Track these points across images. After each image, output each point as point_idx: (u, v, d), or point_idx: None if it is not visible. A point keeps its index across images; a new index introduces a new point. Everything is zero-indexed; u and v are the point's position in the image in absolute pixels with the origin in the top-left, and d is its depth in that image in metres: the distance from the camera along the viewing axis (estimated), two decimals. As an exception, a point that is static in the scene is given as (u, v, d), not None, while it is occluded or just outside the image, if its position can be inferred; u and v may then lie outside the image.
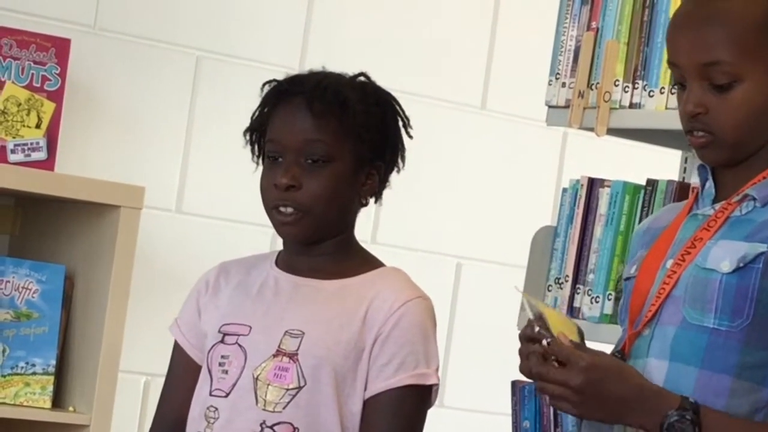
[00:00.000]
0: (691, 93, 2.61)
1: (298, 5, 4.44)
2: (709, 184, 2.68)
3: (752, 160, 2.64)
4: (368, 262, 2.91)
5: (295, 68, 4.17)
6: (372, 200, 2.91)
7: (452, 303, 4.53)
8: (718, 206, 2.65)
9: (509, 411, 3.34)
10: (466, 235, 4.63)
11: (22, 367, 3.80)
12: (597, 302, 3.30)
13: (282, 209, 2.83)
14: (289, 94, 2.86)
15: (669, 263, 2.63)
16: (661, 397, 2.52)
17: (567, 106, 3.40)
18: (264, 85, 2.91)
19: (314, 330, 2.80)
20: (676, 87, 2.67)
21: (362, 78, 2.91)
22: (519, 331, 2.58)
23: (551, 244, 3.41)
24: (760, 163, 2.63)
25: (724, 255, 2.58)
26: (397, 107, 2.92)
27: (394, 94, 2.93)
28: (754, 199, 2.61)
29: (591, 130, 3.36)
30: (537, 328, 2.55)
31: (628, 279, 2.73)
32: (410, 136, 2.91)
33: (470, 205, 4.64)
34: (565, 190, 3.40)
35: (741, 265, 2.56)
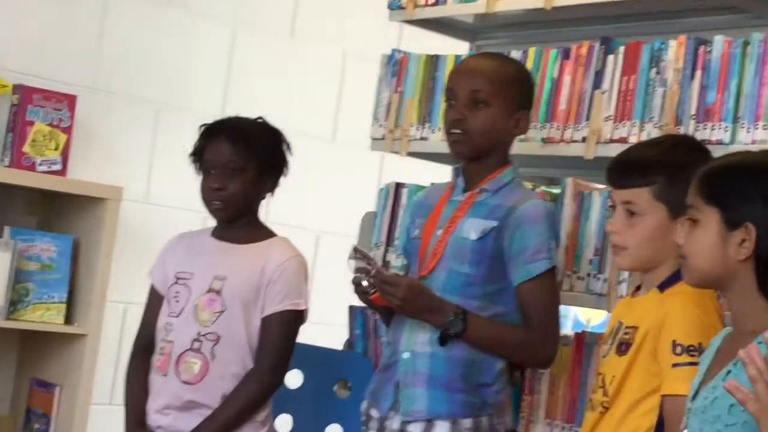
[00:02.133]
0: (457, 107, 2.62)
1: (220, 75, 4.46)
2: (460, 179, 2.69)
3: (486, 162, 2.64)
4: (266, 234, 2.87)
5: (218, 113, 4.12)
6: (270, 195, 2.88)
7: (313, 260, 4.52)
8: (466, 195, 2.66)
9: (347, 323, 3.30)
10: (324, 216, 4.55)
11: (45, 299, 3.74)
12: (399, 257, 3.23)
13: (215, 203, 2.81)
14: (216, 132, 2.84)
15: (439, 232, 2.64)
16: (446, 305, 2.56)
17: (383, 139, 3.35)
18: (201, 126, 2.89)
19: (232, 276, 2.79)
20: (447, 103, 2.67)
21: (260, 119, 2.89)
22: (350, 267, 2.56)
23: (373, 222, 3.34)
24: (492, 166, 2.64)
25: (471, 228, 2.60)
26: (283, 137, 2.89)
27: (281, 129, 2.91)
28: (488, 191, 2.64)
29: (397, 153, 3.32)
30: (369, 263, 2.55)
31: (413, 239, 2.71)
32: (291, 154, 2.88)
33: (327, 198, 4.55)
34: (381, 189, 3.36)
35: (482, 235, 2.58)
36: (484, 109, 2.61)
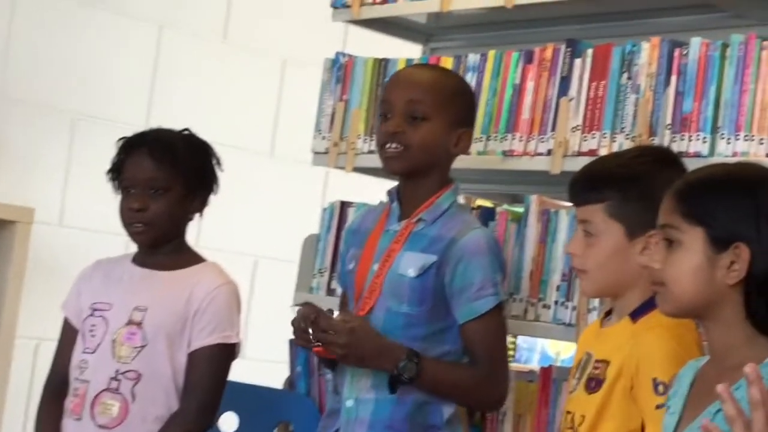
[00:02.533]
0: (394, 119, 2.63)
1: (144, 81, 4.43)
2: (395, 205, 2.71)
3: (424, 183, 2.66)
4: (194, 259, 2.88)
5: (141, 124, 4.09)
6: (198, 215, 2.88)
7: (250, 288, 4.55)
8: (402, 224, 2.67)
9: (288, 359, 3.28)
10: (262, 240, 4.59)
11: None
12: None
13: (136, 225, 2.81)
14: (136, 146, 2.83)
15: (375, 267, 2.66)
16: (396, 347, 2.56)
17: (327, 152, 3.33)
18: (119, 140, 2.87)
19: (154, 306, 2.78)
20: (382, 116, 2.67)
21: (187, 132, 2.89)
22: (295, 314, 2.57)
23: (316, 246, 3.32)
24: (429, 188, 2.65)
25: (409, 264, 2.62)
26: (212, 151, 2.89)
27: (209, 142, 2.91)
28: (425, 220, 2.65)
29: (343, 168, 3.32)
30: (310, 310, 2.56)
31: (349, 272, 2.73)
32: (221, 170, 2.89)
33: (265, 219, 4.60)
34: (325, 209, 3.34)
35: (421, 272, 2.60)
36: (423, 123, 2.63)
